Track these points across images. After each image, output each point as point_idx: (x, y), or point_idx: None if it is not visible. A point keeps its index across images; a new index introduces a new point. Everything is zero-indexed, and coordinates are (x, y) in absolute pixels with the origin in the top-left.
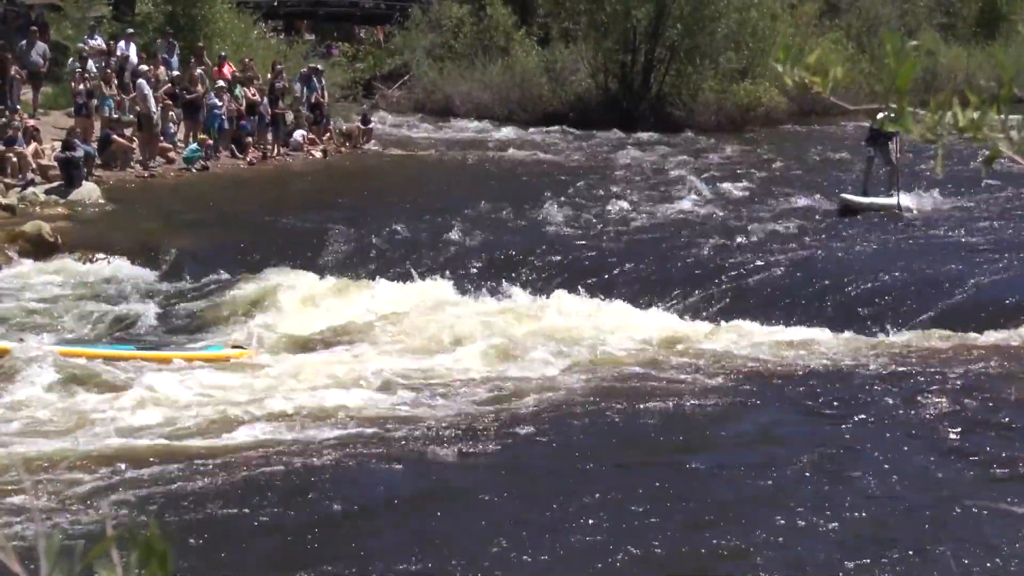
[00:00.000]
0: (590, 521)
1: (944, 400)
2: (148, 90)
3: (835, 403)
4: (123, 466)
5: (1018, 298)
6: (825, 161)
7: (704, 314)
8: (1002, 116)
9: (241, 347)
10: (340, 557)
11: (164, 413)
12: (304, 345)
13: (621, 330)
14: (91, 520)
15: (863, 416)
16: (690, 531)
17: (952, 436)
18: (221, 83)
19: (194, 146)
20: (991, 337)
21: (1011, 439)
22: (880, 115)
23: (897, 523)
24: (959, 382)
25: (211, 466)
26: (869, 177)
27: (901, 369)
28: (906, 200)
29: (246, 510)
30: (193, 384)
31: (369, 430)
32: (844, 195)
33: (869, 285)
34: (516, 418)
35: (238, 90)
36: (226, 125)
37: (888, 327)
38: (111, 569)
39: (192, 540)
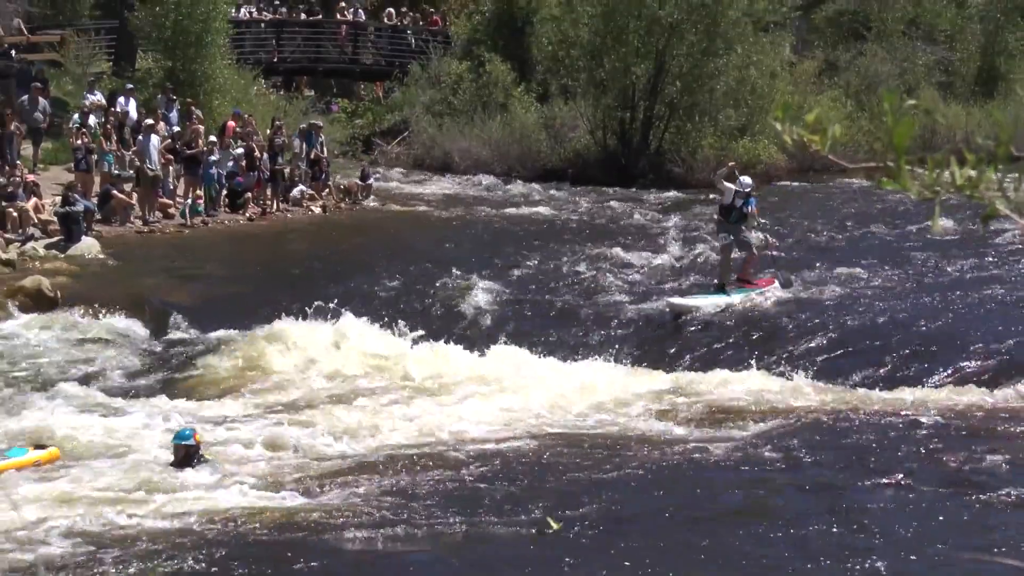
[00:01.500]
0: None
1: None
2: (153, 145)
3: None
4: None
5: None
6: (822, 217)
7: (705, 366)
8: (999, 174)
9: (44, 446)
10: None
11: None
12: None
13: (623, 386)
14: None
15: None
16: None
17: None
18: (218, 138)
19: (191, 200)
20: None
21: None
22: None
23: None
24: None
25: None
26: (725, 267)
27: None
28: (774, 291)
29: None
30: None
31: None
32: (671, 299)
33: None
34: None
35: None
36: (224, 181)
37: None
38: None
39: None
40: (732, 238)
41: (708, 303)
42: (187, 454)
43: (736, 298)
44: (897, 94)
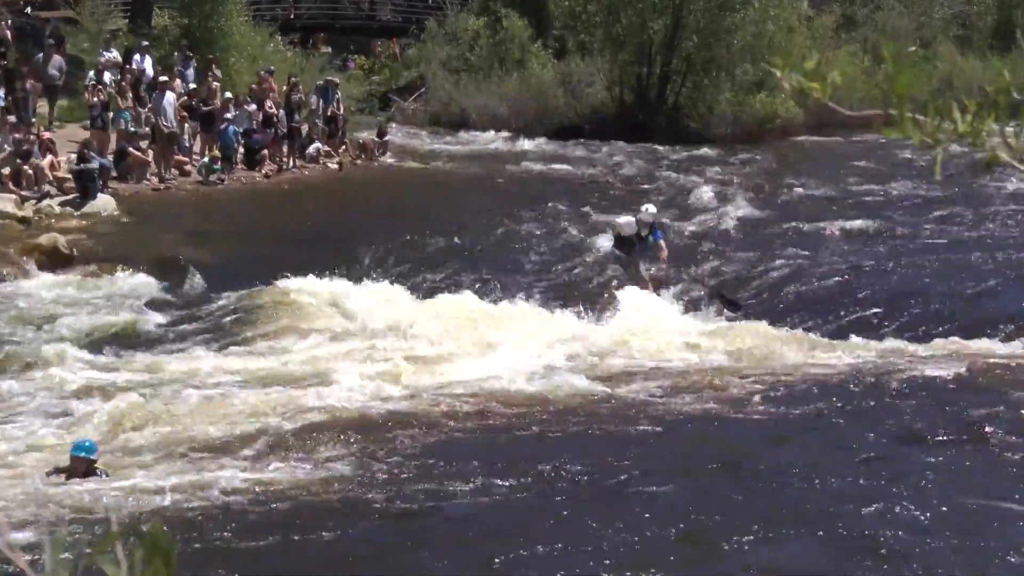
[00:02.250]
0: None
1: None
2: (168, 102)
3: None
4: None
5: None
6: (832, 172)
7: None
8: (1001, 122)
9: None
10: None
11: None
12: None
13: (646, 334)
14: None
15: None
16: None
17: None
18: (234, 95)
19: (207, 158)
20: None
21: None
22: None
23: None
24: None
25: None
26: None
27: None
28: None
29: None
30: None
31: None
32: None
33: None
34: (540, 423)
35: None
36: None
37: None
38: (115, 564)
39: None
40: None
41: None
42: (88, 469)
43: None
44: (901, 44)
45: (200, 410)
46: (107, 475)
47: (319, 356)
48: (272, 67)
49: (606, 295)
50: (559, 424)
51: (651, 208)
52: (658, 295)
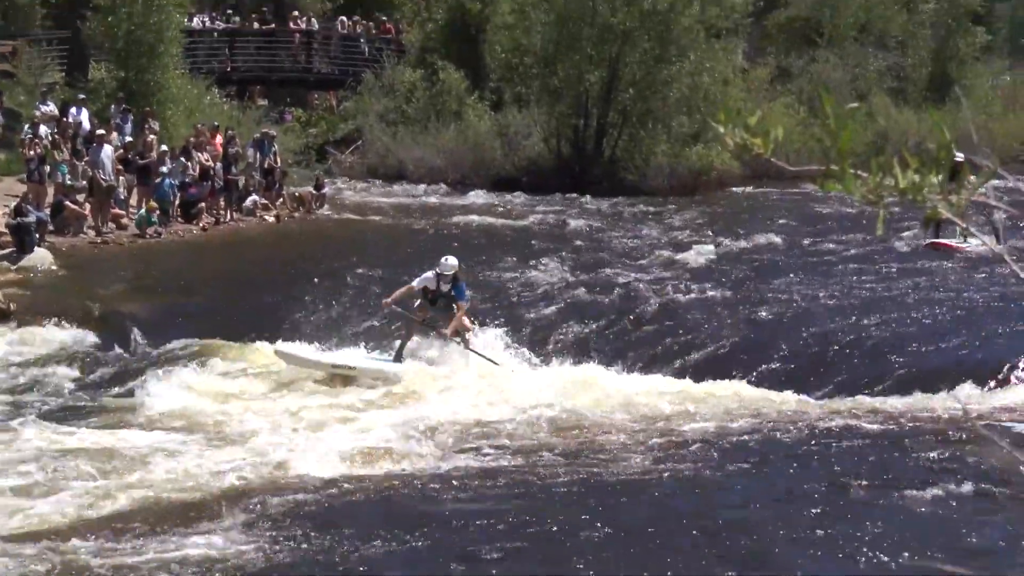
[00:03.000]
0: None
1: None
2: (106, 155)
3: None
4: None
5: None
6: (775, 224)
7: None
8: (940, 178)
9: None
10: None
11: None
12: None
13: (584, 392)
14: None
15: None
16: None
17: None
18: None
19: (144, 211)
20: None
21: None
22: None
23: None
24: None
25: None
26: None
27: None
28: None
29: None
30: None
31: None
32: (280, 347)
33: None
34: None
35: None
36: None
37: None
38: None
39: None
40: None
41: (335, 360)
42: None
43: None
44: (839, 97)
45: (135, 469)
46: None
47: (255, 412)
48: (216, 123)
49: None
50: (462, 488)
51: (451, 260)
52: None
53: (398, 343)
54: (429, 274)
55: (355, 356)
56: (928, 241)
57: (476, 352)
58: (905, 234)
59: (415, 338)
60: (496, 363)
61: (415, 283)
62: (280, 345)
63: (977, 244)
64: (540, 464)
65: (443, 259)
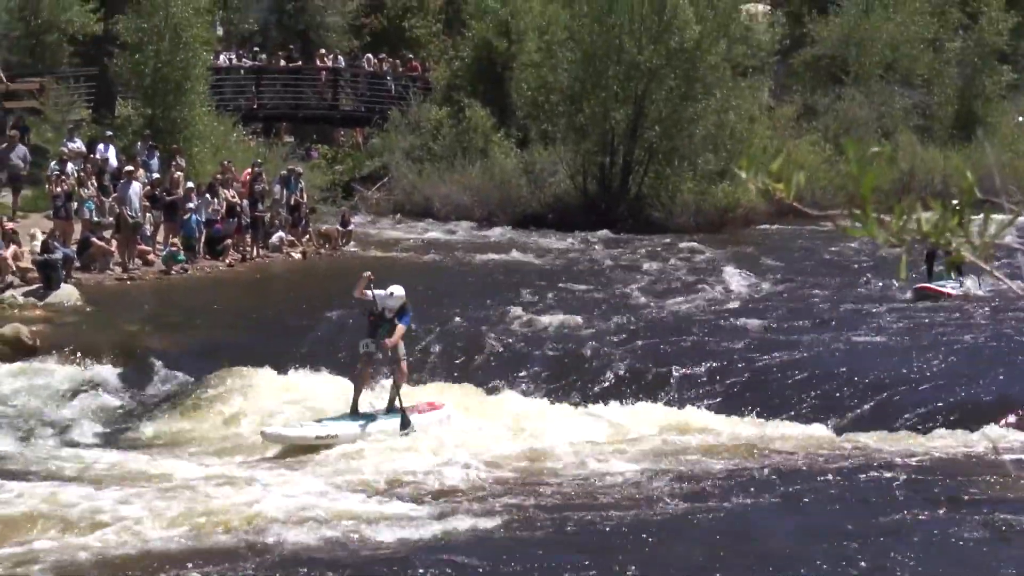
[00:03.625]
0: None
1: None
2: (134, 192)
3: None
4: None
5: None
6: (800, 262)
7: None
8: (964, 221)
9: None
10: None
11: None
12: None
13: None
14: None
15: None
16: None
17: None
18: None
19: (170, 249)
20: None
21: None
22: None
23: None
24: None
25: None
26: (361, 381)
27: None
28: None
29: None
30: None
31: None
32: (266, 429)
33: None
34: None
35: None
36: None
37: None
38: None
39: None
40: (377, 350)
41: (317, 432)
42: None
43: (384, 425)
44: (862, 142)
45: (160, 506)
46: None
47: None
48: (259, 160)
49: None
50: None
51: (397, 290)
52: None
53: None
54: (381, 292)
55: (342, 423)
56: (917, 286)
57: (397, 407)
58: (893, 280)
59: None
60: (405, 430)
61: (369, 293)
62: (266, 428)
63: (971, 287)
64: (557, 501)
65: (390, 290)
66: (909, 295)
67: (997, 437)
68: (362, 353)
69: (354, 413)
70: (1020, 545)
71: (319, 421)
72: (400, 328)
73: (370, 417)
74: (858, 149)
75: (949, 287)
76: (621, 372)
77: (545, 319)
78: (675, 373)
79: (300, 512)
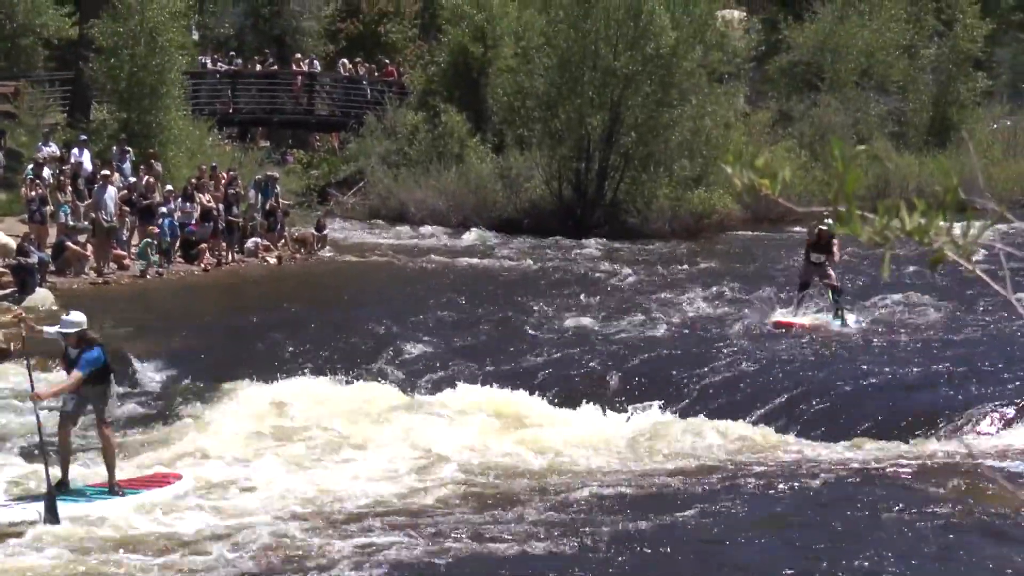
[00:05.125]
0: None
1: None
2: (109, 196)
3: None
4: None
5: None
6: (776, 267)
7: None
8: (947, 221)
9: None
10: None
11: None
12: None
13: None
14: None
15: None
16: None
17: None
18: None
19: (148, 240)
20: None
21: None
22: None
23: None
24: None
25: None
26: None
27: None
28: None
29: None
30: None
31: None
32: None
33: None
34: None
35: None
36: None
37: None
38: None
39: None
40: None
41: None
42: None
43: (120, 504)
44: (846, 141)
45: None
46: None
47: (260, 455)
48: (231, 168)
49: None
50: (495, 518)
51: (74, 316)
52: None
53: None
54: (50, 329)
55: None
56: (775, 320)
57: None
58: (747, 311)
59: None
60: (51, 519)
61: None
62: None
63: (852, 323)
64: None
65: (65, 315)
66: (769, 328)
67: (973, 443)
68: (63, 412)
69: (60, 489)
70: (1000, 548)
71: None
72: (75, 374)
73: (81, 495)
74: (843, 147)
75: (831, 323)
76: (588, 376)
77: (516, 322)
78: (637, 379)
79: None
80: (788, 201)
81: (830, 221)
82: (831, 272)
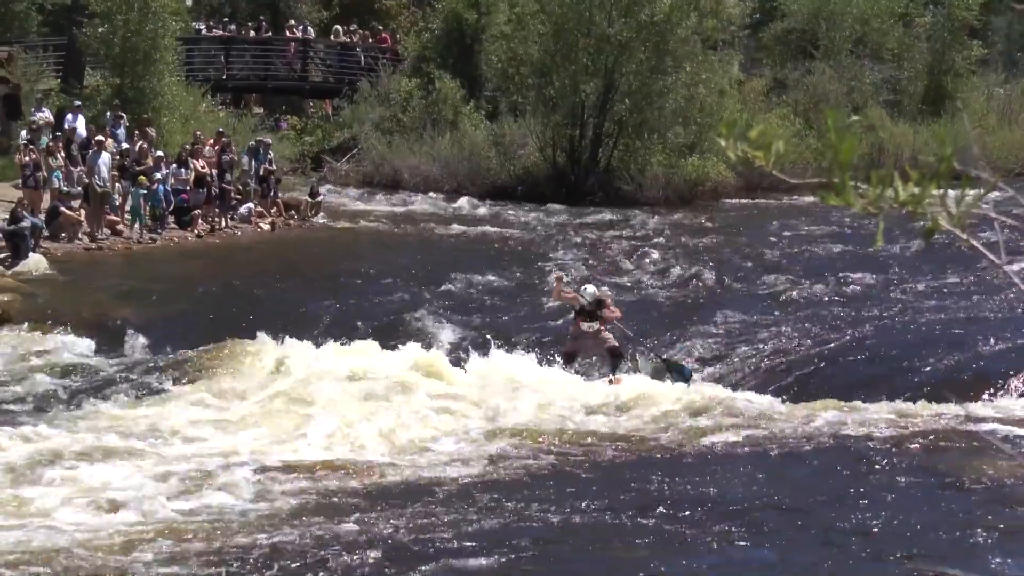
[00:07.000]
0: None
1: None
2: (103, 162)
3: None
4: None
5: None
6: (770, 234)
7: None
8: (941, 191)
9: None
10: None
11: None
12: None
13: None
14: None
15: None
16: None
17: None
18: (161, 153)
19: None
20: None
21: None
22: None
23: None
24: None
25: None
26: None
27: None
28: None
29: None
30: None
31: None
32: None
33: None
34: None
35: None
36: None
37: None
38: None
39: None
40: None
41: None
42: None
43: None
44: (841, 111)
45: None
46: None
47: (262, 414)
48: (224, 133)
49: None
50: (514, 487)
51: (590, 288)
52: None
53: None
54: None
55: None
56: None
57: None
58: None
59: None
60: None
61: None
62: None
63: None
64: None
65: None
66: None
67: (971, 408)
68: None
69: None
70: (1000, 515)
71: None
72: None
73: None
74: (838, 117)
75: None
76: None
77: (503, 287)
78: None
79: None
80: (782, 173)
81: (591, 288)
82: (607, 336)
